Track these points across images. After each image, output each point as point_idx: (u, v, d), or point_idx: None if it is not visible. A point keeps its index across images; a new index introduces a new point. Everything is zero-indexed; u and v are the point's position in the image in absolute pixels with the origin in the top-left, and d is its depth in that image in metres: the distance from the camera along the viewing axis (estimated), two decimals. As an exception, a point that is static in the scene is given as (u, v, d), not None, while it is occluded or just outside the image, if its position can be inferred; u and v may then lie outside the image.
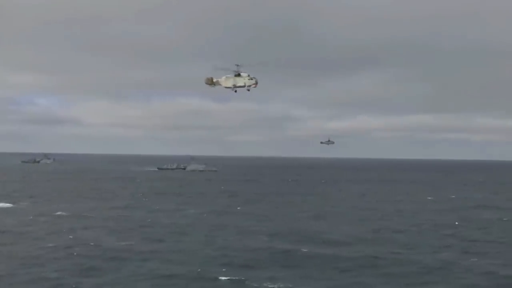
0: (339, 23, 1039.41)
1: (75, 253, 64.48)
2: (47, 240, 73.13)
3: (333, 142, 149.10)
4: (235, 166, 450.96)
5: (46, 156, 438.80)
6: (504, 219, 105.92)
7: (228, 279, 53.59)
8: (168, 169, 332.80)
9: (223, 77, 58.77)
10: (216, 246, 70.52)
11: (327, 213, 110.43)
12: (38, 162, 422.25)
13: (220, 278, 53.98)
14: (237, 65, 57.50)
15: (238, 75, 57.85)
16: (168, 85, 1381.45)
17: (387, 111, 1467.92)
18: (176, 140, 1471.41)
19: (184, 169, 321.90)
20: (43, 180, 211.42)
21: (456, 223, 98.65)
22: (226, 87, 58.84)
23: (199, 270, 56.76)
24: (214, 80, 59.21)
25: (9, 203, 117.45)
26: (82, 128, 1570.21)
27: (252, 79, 57.72)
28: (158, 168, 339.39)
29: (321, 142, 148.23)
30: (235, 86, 58.29)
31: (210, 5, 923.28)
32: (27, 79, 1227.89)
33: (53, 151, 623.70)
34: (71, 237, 75.66)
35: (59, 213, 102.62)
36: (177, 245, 70.78)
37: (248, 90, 58.26)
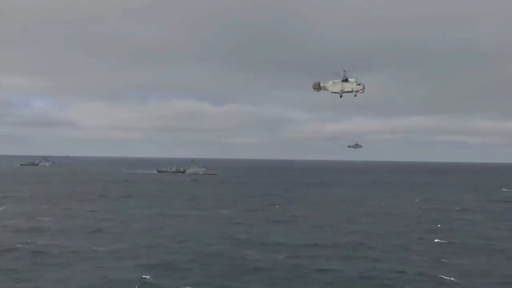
0: (338, 23, 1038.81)
1: (18, 256, 62.69)
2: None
3: (360, 146, 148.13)
4: (234, 169, 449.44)
5: (45, 158, 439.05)
6: (487, 222, 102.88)
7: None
8: (167, 171, 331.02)
9: (330, 82, 59.58)
10: (169, 250, 68.40)
11: (302, 217, 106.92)
12: (37, 164, 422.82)
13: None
14: (344, 71, 58.76)
15: (346, 80, 58.70)
16: (166, 86, 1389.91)
17: (385, 112, 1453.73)
18: (174, 142, 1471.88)
19: (184, 172, 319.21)
20: (32, 183, 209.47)
21: (439, 225, 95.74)
22: (332, 92, 59.55)
23: (139, 275, 54.33)
24: (321, 84, 60.10)
25: None
26: (79, 130, 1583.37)
27: (359, 85, 58.70)
28: (157, 171, 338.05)
29: (349, 146, 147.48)
30: (342, 92, 58.98)
31: (208, 5, 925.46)
32: (23, 81, 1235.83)
33: (52, 153, 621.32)
34: (20, 240, 73.21)
35: (30, 216, 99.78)
36: (132, 248, 68.50)
37: (355, 95, 58.92)
